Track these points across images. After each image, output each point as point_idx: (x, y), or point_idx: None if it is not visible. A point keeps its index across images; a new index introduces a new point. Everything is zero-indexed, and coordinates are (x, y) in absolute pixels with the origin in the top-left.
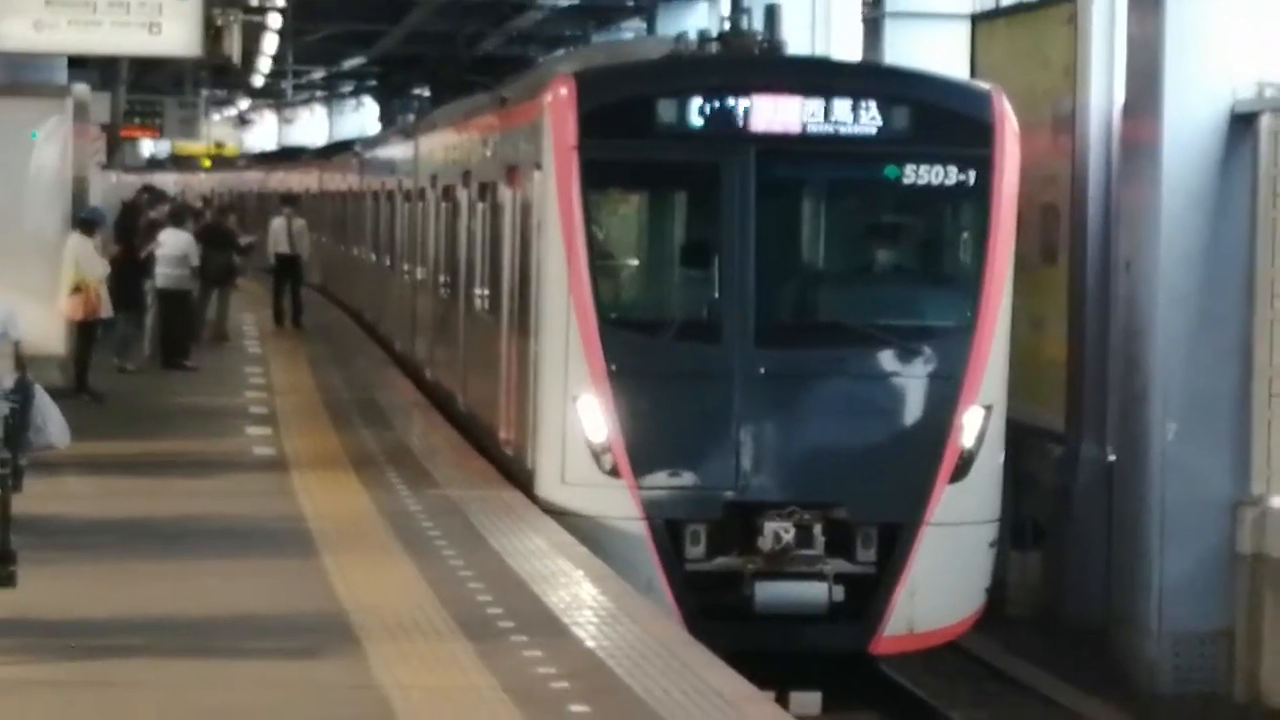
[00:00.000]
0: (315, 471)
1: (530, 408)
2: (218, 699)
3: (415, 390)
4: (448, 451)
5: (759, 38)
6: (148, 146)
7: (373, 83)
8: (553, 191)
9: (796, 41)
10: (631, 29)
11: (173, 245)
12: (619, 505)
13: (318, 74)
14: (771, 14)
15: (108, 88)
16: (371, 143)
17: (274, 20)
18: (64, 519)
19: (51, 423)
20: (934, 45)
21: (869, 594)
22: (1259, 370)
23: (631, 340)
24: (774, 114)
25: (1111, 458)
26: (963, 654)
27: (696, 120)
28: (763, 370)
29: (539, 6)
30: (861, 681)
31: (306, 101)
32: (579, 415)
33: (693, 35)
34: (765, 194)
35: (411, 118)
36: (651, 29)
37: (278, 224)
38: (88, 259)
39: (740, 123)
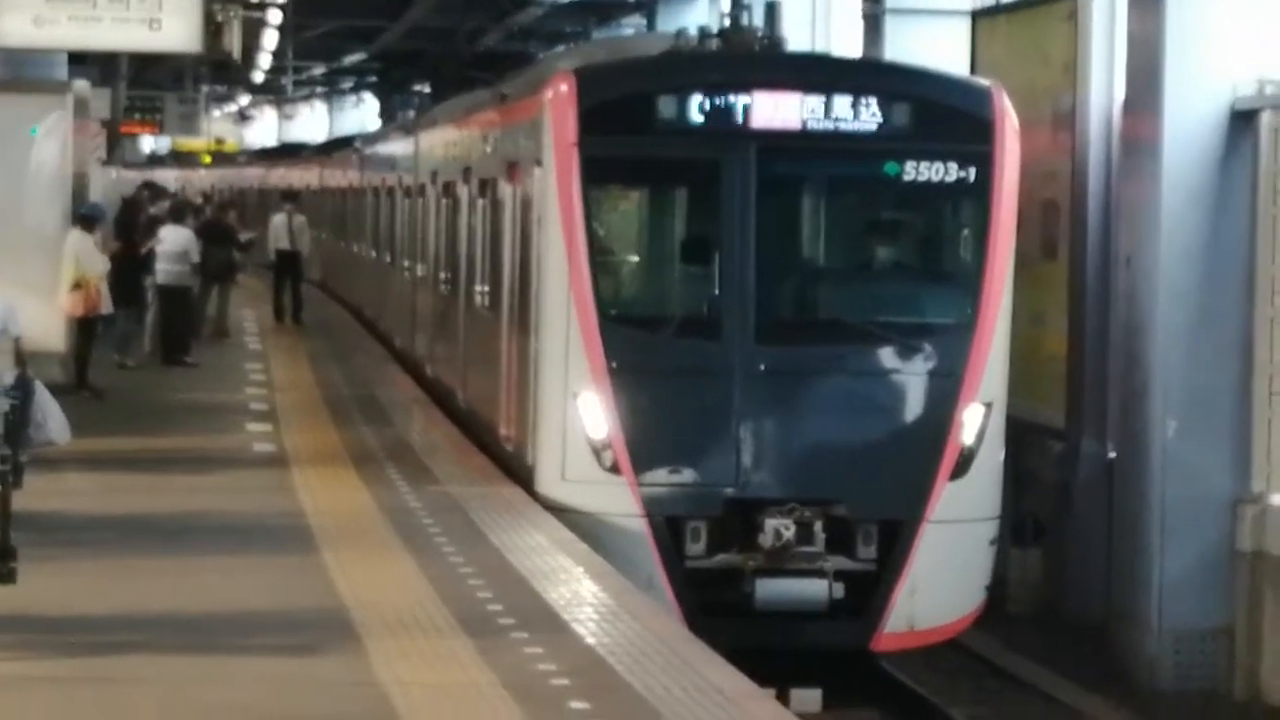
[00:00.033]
0: (315, 468)
1: (530, 404)
2: (218, 695)
3: (415, 387)
4: (448, 448)
5: (759, 34)
6: (148, 142)
7: (373, 79)
8: (553, 188)
9: (797, 38)
10: (632, 25)
11: (173, 241)
12: (619, 502)
13: (318, 70)
14: (772, 10)
15: (108, 84)
16: (372, 139)
17: (274, 16)
18: (64, 515)
19: (52, 419)
20: (934, 42)
21: (869, 591)
22: (1259, 367)
23: (632, 337)
24: (774, 111)
25: (1112, 454)
26: (963, 651)
27: (697, 117)
28: (763, 367)
29: (539, 3)
30: (862, 679)
31: (307, 97)
32: (579, 412)
33: (693, 32)
34: (765, 191)
35: (412, 114)
36: (652, 25)
37: (278, 220)
38: (88, 255)
39: (740, 119)
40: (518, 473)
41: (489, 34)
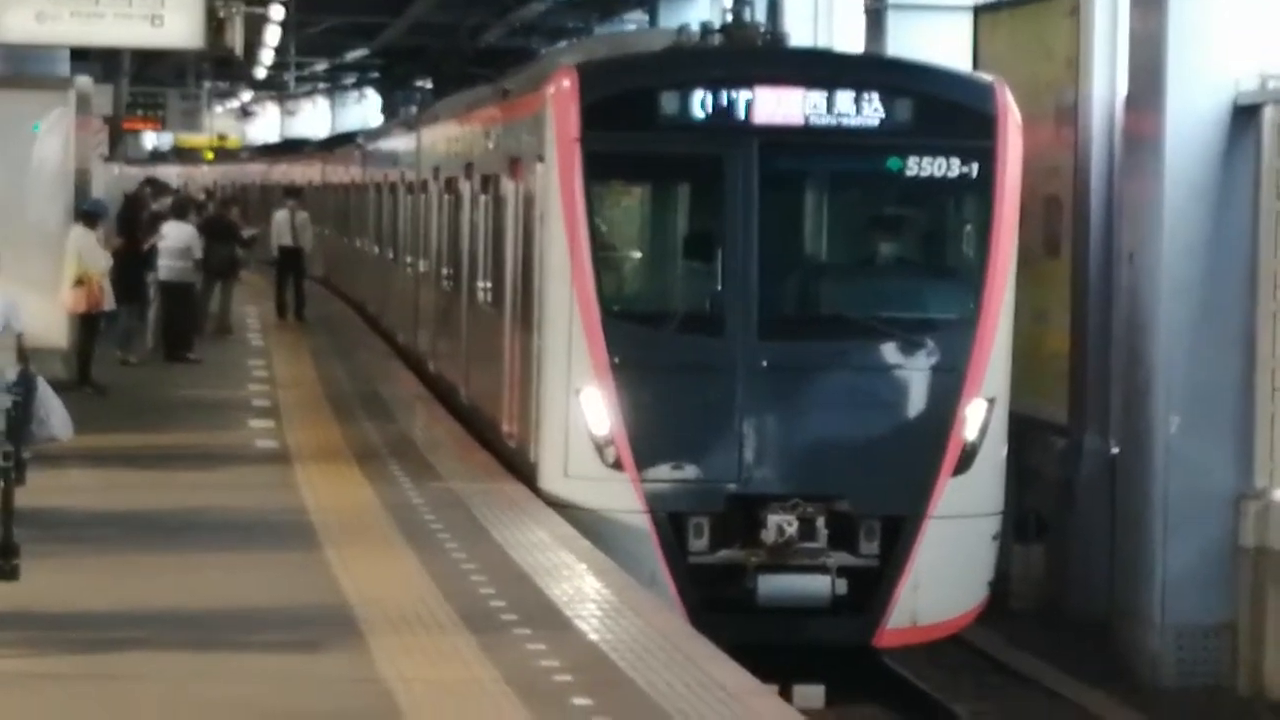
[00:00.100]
0: (318, 464)
1: (533, 400)
2: (220, 692)
3: (418, 383)
4: (450, 444)
5: (762, 30)
6: (150, 139)
7: (375, 75)
8: (555, 184)
9: (799, 33)
10: (634, 21)
11: (175, 238)
12: (622, 498)
13: (320, 66)
14: (774, 6)
15: (110, 80)
16: (374, 135)
17: (276, 12)
18: (66, 512)
19: (54, 415)
20: (936, 37)
21: (872, 587)
22: (1262, 362)
23: (634, 333)
24: (777, 106)
25: (1114, 450)
26: (966, 647)
27: (699, 112)
28: (765, 363)
29: None
30: (864, 675)
31: (309, 93)
32: (582, 408)
33: (695, 27)
34: (768, 186)
35: (414, 110)
36: (654, 21)
37: (281, 216)
38: (90, 251)
39: (743, 115)
40: (520, 469)
41: (491, 30)
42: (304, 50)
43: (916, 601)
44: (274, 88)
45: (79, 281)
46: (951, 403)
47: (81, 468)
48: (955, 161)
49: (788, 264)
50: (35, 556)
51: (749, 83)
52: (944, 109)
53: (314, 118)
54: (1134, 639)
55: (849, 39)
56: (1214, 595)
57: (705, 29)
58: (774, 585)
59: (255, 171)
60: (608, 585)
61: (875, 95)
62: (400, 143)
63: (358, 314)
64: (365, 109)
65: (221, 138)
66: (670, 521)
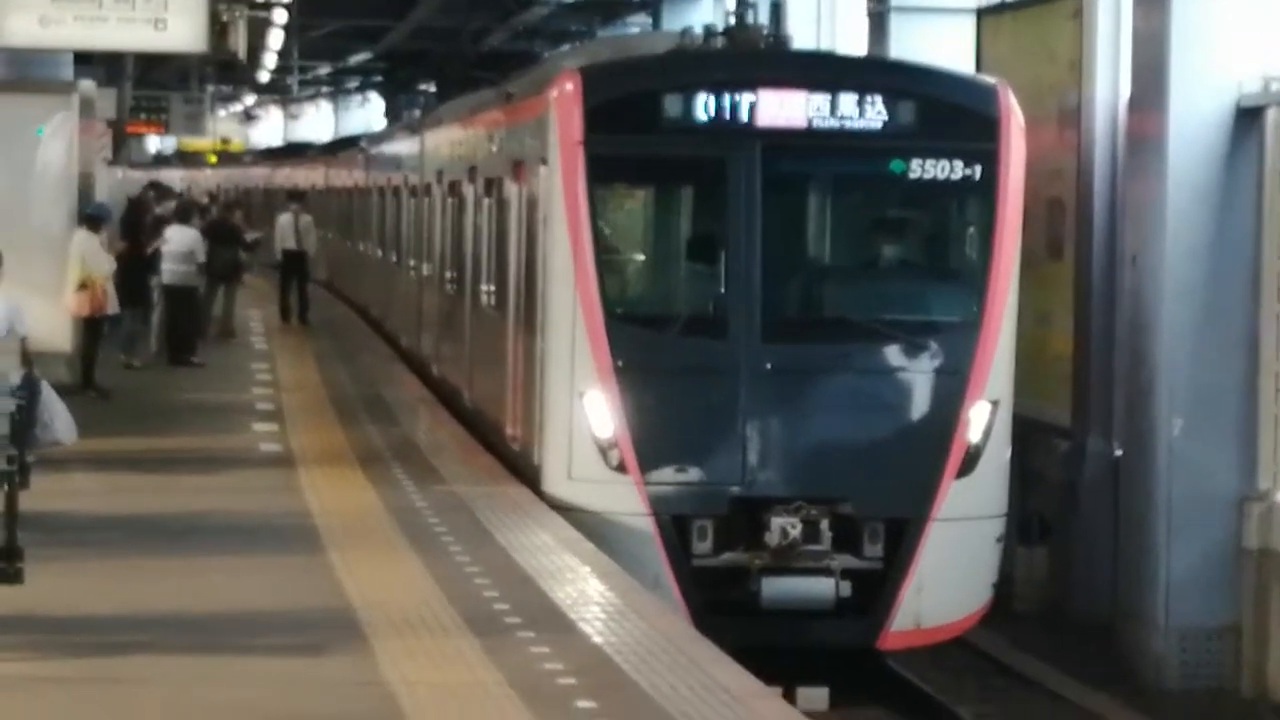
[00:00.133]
0: (322, 468)
1: (537, 403)
2: (224, 695)
3: (421, 386)
4: (454, 448)
5: (764, 32)
6: (154, 142)
7: (378, 78)
8: (559, 187)
9: (802, 36)
10: (637, 24)
11: (179, 241)
12: (626, 501)
13: (323, 70)
14: (777, 8)
15: (113, 84)
16: (377, 138)
17: (280, 16)
18: (70, 516)
19: (58, 419)
20: (939, 40)
21: (876, 589)
22: (1265, 365)
23: (638, 336)
24: (780, 109)
25: (1118, 453)
26: (970, 649)
27: (702, 115)
28: (769, 366)
29: (544, 2)
30: (868, 677)
31: (312, 97)
32: (585, 411)
33: (698, 30)
34: (771, 189)
35: (417, 113)
36: (657, 24)
37: (284, 220)
38: (94, 255)
39: (746, 118)
40: (524, 472)
41: (494, 33)
42: (307, 54)
43: (920, 604)
44: (277, 91)
45: (82, 285)
46: (955, 405)
47: (85, 471)
48: (958, 164)
49: (791, 267)
50: (39, 560)
51: (752, 86)
52: (947, 111)
53: (317, 121)
54: (1137, 641)
55: (852, 42)
56: (1217, 597)
57: (708, 32)
58: (778, 588)
59: (258, 175)
60: (611, 588)
61: (878, 98)
62: (403, 146)
63: (361, 317)
64: (368, 113)
65: (225, 141)
66: (674, 524)
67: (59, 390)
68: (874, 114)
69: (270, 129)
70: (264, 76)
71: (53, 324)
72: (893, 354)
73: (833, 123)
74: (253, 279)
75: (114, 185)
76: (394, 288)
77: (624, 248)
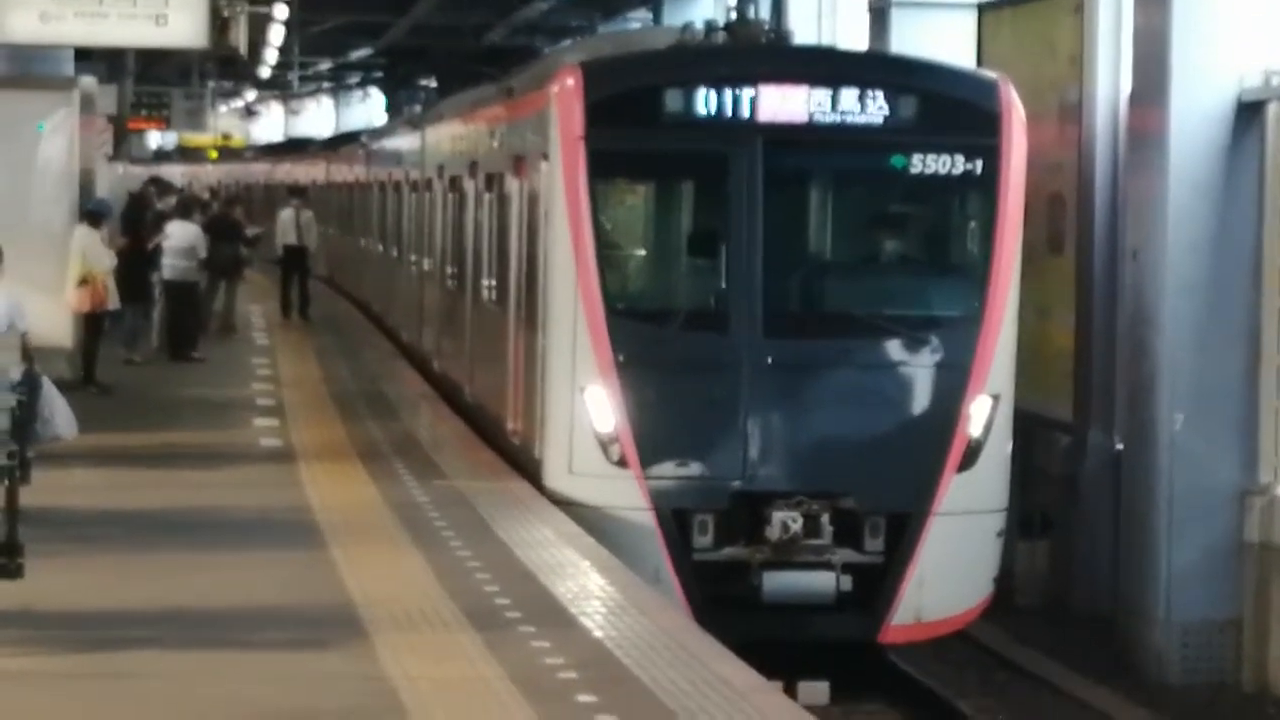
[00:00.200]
0: (322, 463)
1: (538, 399)
2: (225, 690)
3: (422, 382)
4: (455, 443)
5: (765, 27)
6: (154, 138)
7: (379, 74)
8: (560, 182)
9: (803, 31)
10: (638, 19)
11: (180, 237)
12: (626, 496)
13: (324, 65)
14: (778, 3)
15: (114, 80)
16: (378, 134)
17: (280, 11)
18: (71, 511)
19: (59, 414)
20: (940, 35)
21: (877, 584)
22: (1266, 358)
23: (639, 331)
24: (781, 104)
25: (1119, 447)
26: (971, 643)
27: (703, 110)
28: (770, 360)
29: None
30: (870, 671)
31: (313, 93)
32: (586, 406)
33: (699, 25)
34: (772, 184)
35: (418, 109)
36: (658, 19)
37: (286, 215)
38: (95, 251)
39: (747, 113)
40: (525, 467)
41: (494, 29)
42: (308, 50)
43: (921, 598)
44: (278, 87)
45: (84, 281)
46: (956, 399)
47: (86, 467)
48: (959, 159)
49: (792, 261)
50: (40, 555)
51: (753, 80)
52: (948, 106)
53: (318, 117)
54: (1139, 635)
55: (853, 36)
56: (1219, 591)
57: (709, 27)
58: (779, 582)
59: (259, 171)
60: (612, 583)
61: (879, 93)
62: (404, 142)
63: (362, 313)
64: (369, 108)
65: (226, 137)
66: (675, 519)
67: (60, 386)
68: (875, 109)
69: (271, 124)
70: (265, 72)
71: (54, 319)
72: (894, 349)
73: (834, 118)
74: (254, 274)
75: (115, 181)
76: (395, 283)
77: (625, 243)
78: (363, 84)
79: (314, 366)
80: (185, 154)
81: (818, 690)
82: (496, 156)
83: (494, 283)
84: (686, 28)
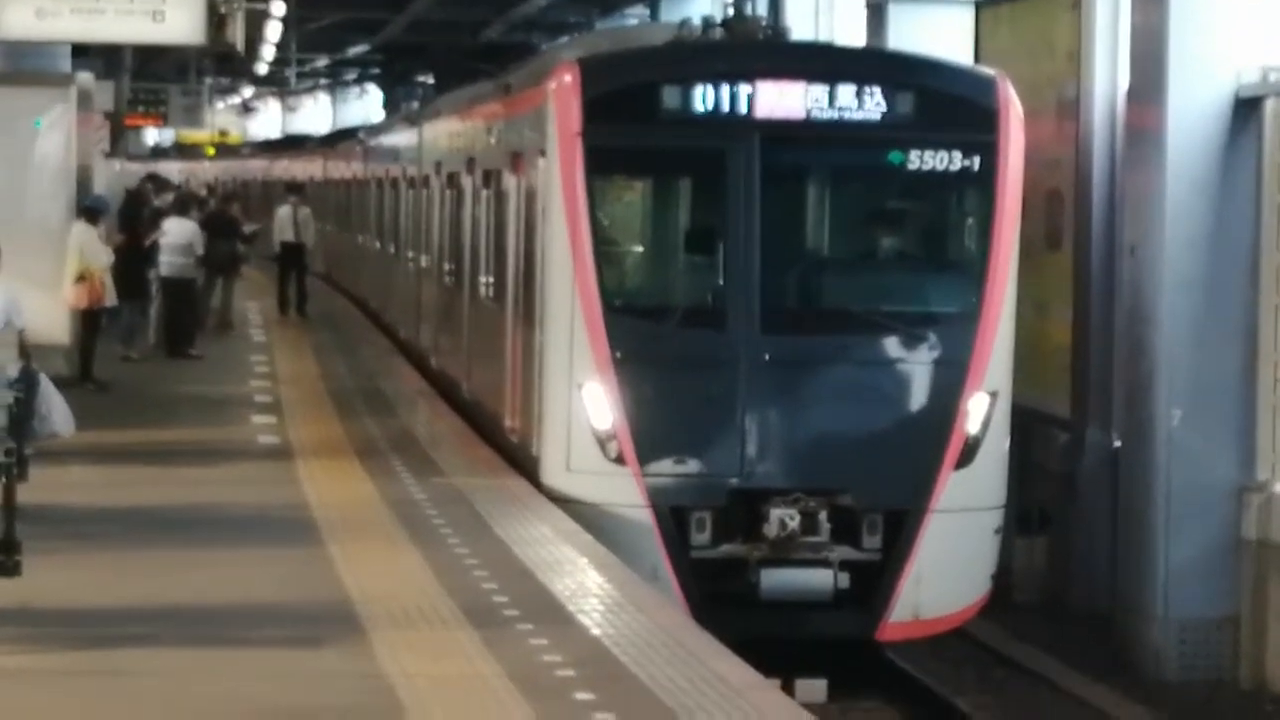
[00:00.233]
0: (320, 460)
1: (535, 395)
2: (223, 688)
3: (420, 379)
4: (453, 440)
5: (763, 23)
6: (152, 135)
7: (377, 70)
8: (557, 178)
9: (800, 27)
10: (635, 15)
11: (177, 234)
12: (624, 493)
13: (322, 62)
14: (775, 0)
15: (111, 76)
16: (376, 130)
17: (278, 8)
18: (69, 508)
19: (56, 411)
20: (938, 31)
21: (874, 581)
22: (1264, 355)
23: (636, 327)
24: (778, 100)
25: (1117, 443)
26: (969, 640)
27: (701, 106)
28: (768, 357)
29: None
30: (867, 668)
31: (310, 89)
32: (584, 403)
33: (697, 21)
34: (770, 180)
35: (416, 105)
36: (655, 15)
37: (283, 212)
38: (92, 247)
39: (744, 109)
40: (523, 464)
41: (492, 25)
42: (305, 46)
43: (919, 595)
44: (275, 83)
45: (81, 277)
46: (954, 396)
47: (83, 464)
48: (957, 155)
49: (790, 258)
50: (37, 553)
51: (750, 77)
52: (946, 103)
53: (315, 114)
54: (1136, 632)
55: (850, 33)
56: (1216, 588)
57: (706, 23)
58: (776, 579)
59: (257, 167)
60: (610, 580)
61: (877, 89)
62: (402, 138)
63: (360, 310)
64: (367, 105)
65: (223, 134)
66: (672, 516)
67: (57, 383)
68: (873, 105)
69: (268, 121)
70: (262, 69)
71: (51, 316)
72: (891, 345)
73: (831, 114)
74: (251, 271)
75: (112, 177)
76: (392, 280)
77: (622, 239)
78: (360, 80)
79: (311, 363)
80: (182, 150)
81: (815, 688)
82: (494, 153)
83: (491, 279)
84: (684, 24)
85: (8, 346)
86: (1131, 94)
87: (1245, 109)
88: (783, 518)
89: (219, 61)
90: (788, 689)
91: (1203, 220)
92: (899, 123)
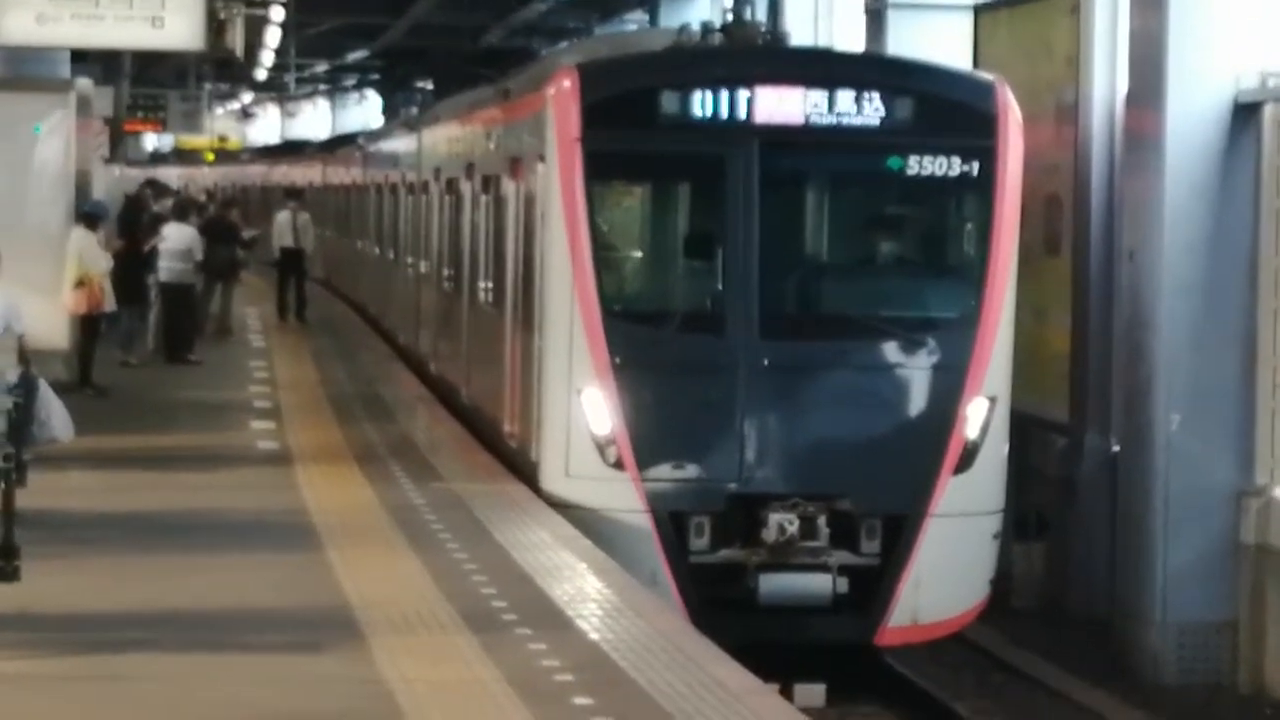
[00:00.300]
0: (319, 465)
1: (534, 401)
2: (222, 693)
3: (419, 384)
4: (451, 445)
5: (762, 29)
6: (151, 140)
7: (376, 76)
8: (556, 184)
9: (799, 33)
10: (634, 21)
11: (176, 239)
12: (623, 498)
13: (321, 67)
14: (774, 5)
15: (111, 82)
16: (375, 136)
17: (277, 13)
18: (68, 513)
19: (55, 417)
20: (937, 36)
21: (873, 586)
22: (1263, 360)
23: (635, 333)
24: (777, 105)
25: (1115, 448)
26: (967, 645)
27: (700, 112)
28: (766, 362)
29: None
30: (866, 673)
31: (310, 95)
32: (583, 408)
33: (696, 27)
34: (769, 186)
35: (415, 111)
36: (654, 21)
37: (282, 218)
38: (91, 253)
39: (744, 114)
40: (522, 469)
41: (491, 31)
42: (304, 52)
43: (918, 600)
44: (274, 89)
45: (80, 283)
46: (952, 401)
47: (82, 469)
48: (956, 160)
49: (789, 263)
50: (36, 558)
51: (749, 82)
52: (945, 108)
53: (314, 119)
54: (1135, 637)
55: (849, 38)
56: (1215, 593)
57: (706, 29)
58: (775, 584)
59: (256, 173)
60: (609, 585)
61: (876, 94)
62: (401, 144)
63: (359, 315)
64: (366, 110)
65: (222, 139)
66: (671, 521)
67: (56, 388)
68: (872, 110)
69: (268, 127)
70: (261, 74)
71: (50, 322)
72: (890, 350)
73: (830, 119)
74: (250, 277)
75: (111, 183)
76: (392, 285)
77: (621, 245)
78: (359, 86)
79: (310, 369)
80: (181, 156)
81: (814, 692)
82: (493, 158)
83: (491, 285)
84: (683, 29)
85: (7, 352)
86: (1130, 99)
87: (1244, 114)
88: (781, 523)
89: (218, 67)
90: (786, 694)
91: (1201, 225)
92: (898, 128)
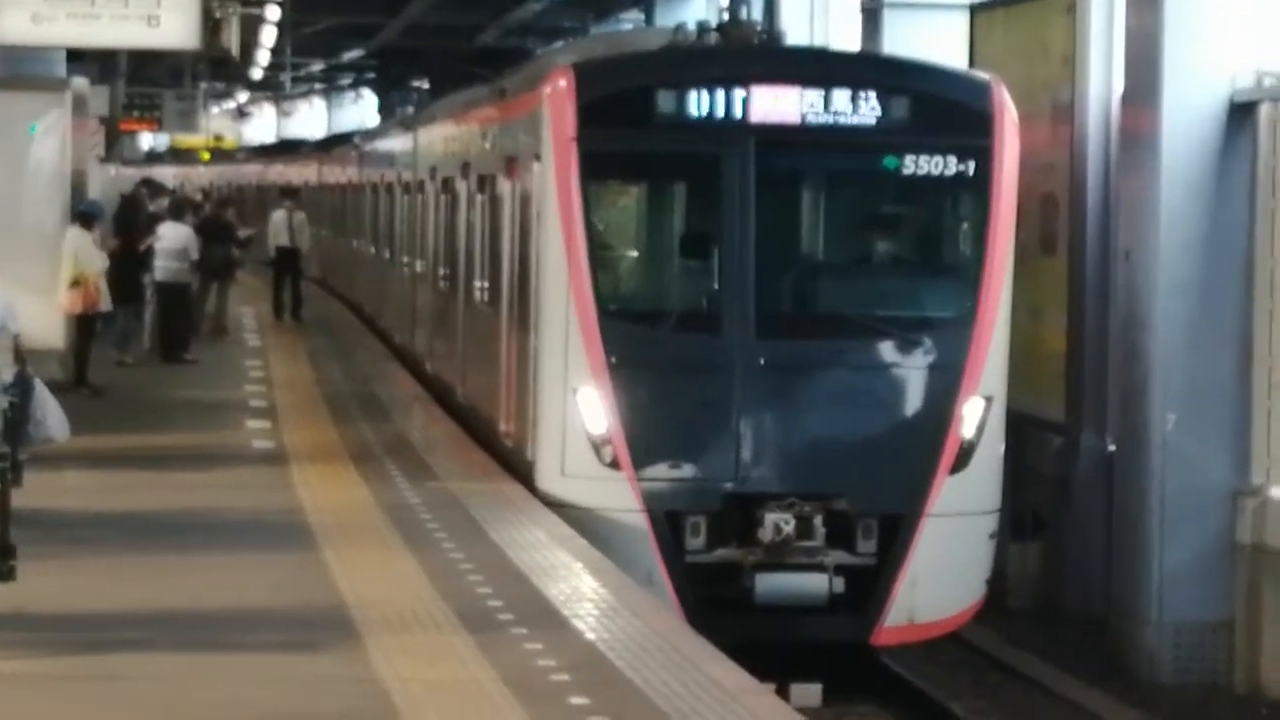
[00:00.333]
0: (315, 465)
1: (530, 400)
2: (218, 693)
3: (415, 383)
4: (447, 444)
5: (758, 28)
6: (146, 140)
7: (371, 75)
8: (552, 183)
9: (795, 32)
10: (630, 20)
11: (172, 238)
12: (619, 497)
13: (316, 66)
14: (770, 4)
15: (106, 81)
16: (370, 135)
17: (272, 13)
18: (64, 513)
19: (51, 416)
20: (933, 35)
21: (869, 585)
22: (1259, 359)
23: (631, 332)
24: (773, 105)
25: (1111, 448)
26: (963, 645)
27: (695, 111)
28: (762, 361)
29: None
30: (862, 673)
31: (305, 94)
32: (579, 407)
33: (691, 26)
34: (765, 185)
35: (410, 110)
36: (650, 20)
37: (278, 217)
38: (87, 252)
39: (739, 114)
40: (517, 468)
41: (487, 30)
42: (300, 51)
43: (914, 600)
44: (270, 88)
45: (75, 282)
46: (949, 401)
47: (78, 469)
48: (952, 160)
49: (784, 262)
50: (32, 558)
51: (745, 81)
52: (941, 107)
53: (310, 118)
54: (1131, 636)
55: (845, 37)
56: (1211, 592)
57: (701, 28)
58: (771, 584)
59: (251, 172)
60: (605, 584)
61: (872, 94)
62: (397, 143)
63: (355, 315)
64: (361, 109)
65: (218, 138)
66: (667, 520)
67: (52, 387)
68: (868, 110)
69: (263, 126)
70: (257, 73)
71: (46, 321)
72: (886, 350)
73: (826, 118)
74: (246, 276)
75: (107, 182)
76: (387, 285)
77: (617, 244)
78: (355, 85)
79: (306, 368)
80: (177, 155)
81: (810, 692)
82: (489, 158)
83: (486, 284)
84: (679, 29)
85: (3, 351)
86: (1126, 98)
87: (1240, 113)
88: (778, 522)
89: (214, 66)
90: (782, 693)
91: (1197, 225)
92: (894, 127)
